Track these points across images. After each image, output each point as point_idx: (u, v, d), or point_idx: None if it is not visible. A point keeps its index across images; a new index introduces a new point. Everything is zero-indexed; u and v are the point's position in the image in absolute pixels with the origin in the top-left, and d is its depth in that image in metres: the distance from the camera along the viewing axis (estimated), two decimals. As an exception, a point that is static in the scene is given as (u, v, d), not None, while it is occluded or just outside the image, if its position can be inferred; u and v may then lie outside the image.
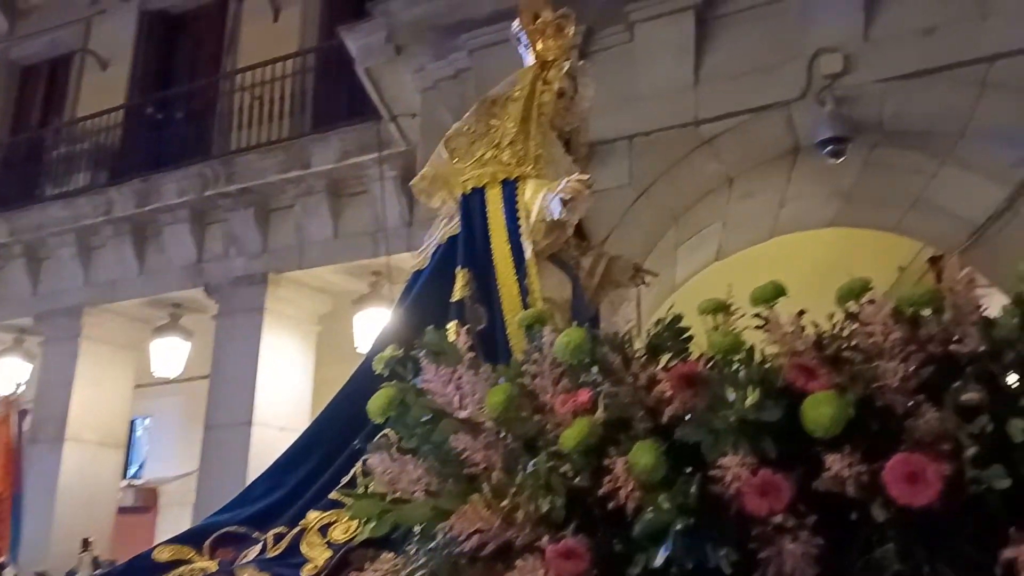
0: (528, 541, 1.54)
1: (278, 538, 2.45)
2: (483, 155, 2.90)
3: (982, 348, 1.46)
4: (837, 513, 1.38)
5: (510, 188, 2.80)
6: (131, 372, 9.67)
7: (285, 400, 8.10)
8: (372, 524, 1.79)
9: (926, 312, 1.53)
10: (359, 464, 2.43)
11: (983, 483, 1.33)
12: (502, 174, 2.83)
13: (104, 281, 9.39)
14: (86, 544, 8.17)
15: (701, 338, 1.68)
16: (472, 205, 2.85)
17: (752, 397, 1.44)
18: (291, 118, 8.78)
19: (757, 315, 1.62)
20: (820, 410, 1.40)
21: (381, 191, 7.79)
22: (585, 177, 2.66)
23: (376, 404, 1.94)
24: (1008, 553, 1.28)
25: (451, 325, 2.49)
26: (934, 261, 6.61)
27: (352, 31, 6.40)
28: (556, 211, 2.62)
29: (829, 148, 4.90)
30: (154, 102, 9.93)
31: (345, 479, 2.50)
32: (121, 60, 10.72)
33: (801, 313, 1.59)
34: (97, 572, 7.36)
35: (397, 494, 1.76)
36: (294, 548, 2.39)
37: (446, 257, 2.85)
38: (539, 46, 3.00)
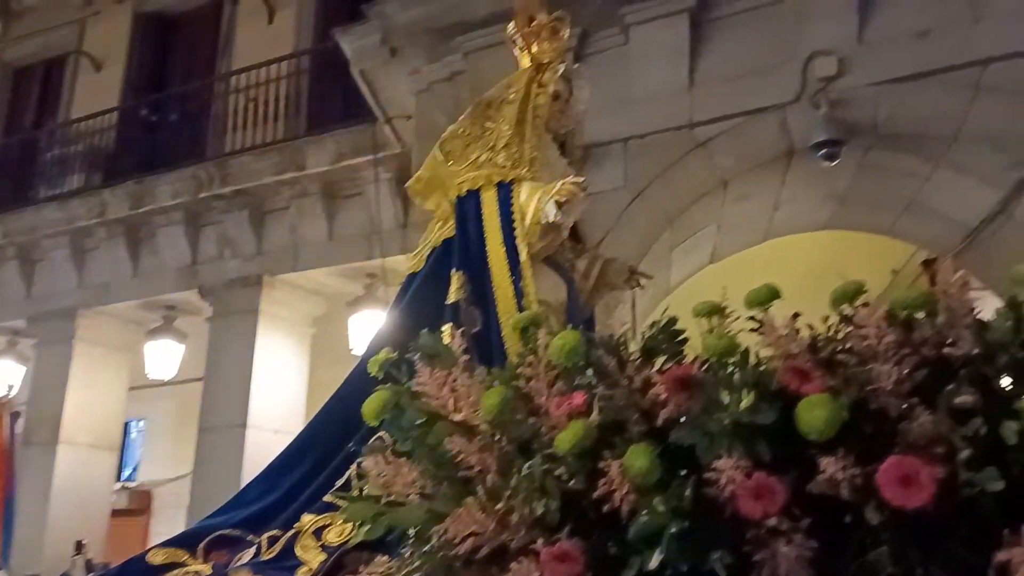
0: (523, 544, 1.54)
1: (272, 541, 2.45)
2: (478, 157, 2.90)
3: (976, 351, 1.47)
4: (831, 516, 1.38)
5: (505, 191, 2.80)
6: (125, 374, 9.65)
7: (279, 402, 8.09)
8: (366, 527, 1.79)
9: (920, 315, 1.54)
10: (354, 467, 2.42)
11: (977, 486, 1.33)
12: (497, 177, 2.83)
13: (98, 283, 9.37)
14: (79, 547, 8.14)
15: (696, 341, 1.68)
16: (467, 207, 2.85)
17: (747, 400, 1.44)
18: (286, 120, 8.77)
19: (752, 318, 1.62)
20: (814, 413, 1.40)
21: (376, 193, 7.78)
22: (580, 180, 2.66)
23: (371, 407, 1.94)
24: (1002, 555, 1.28)
25: (446, 328, 2.48)
26: (928, 264, 6.62)
27: (347, 33, 6.40)
28: (551, 214, 2.62)
29: (823, 151, 4.91)
30: (148, 104, 9.93)
31: (340, 482, 2.49)
32: (115, 62, 10.70)
33: (795, 316, 1.60)
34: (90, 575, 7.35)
35: (392, 497, 1.76)
36: (288, 551, 2.38)
37: (441, 259, 2.85)
38: (534, 49, 3.00)
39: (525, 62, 3.04)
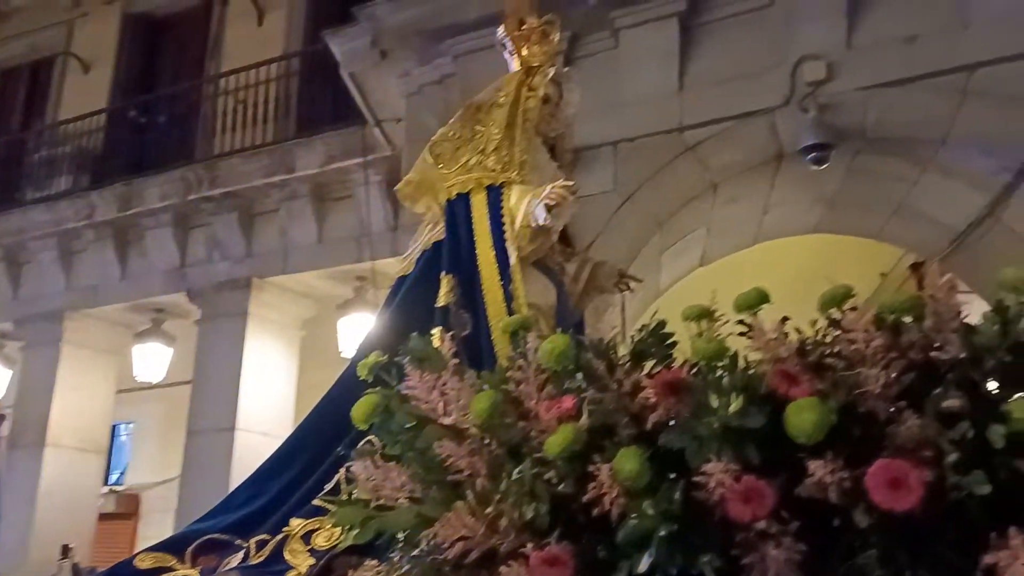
0: (512, 548, 1.54)
1: (261, 545, 2.44)
2: (468, 161, 2.90)
3: (963, 355, 1.47)
4: (820, 519, 1.39)
5: (495, 194, 2.80)
6: (113, 377, 9.59)
7: (268, 405, 8.06)
8: (355, 531, 1.78)
9: (907, 319, 1.54)
10: (343, 470, 2.42)
11: (964, 489, 1.34)
12: (487, 180, 2.84)
13: (86, 286, 9.31)
14: (66, 551, 8.08)
15: (685, 344, 1.68)
16: (457, 211, 2.85)
17: (736, 403, 1.45)
18: (275, 122, 8.75)
19: (741, 321, 1.63)
20: (803, 416, 1.41)
21: (366, 196, 7.77)
22: (570, 183, 2.67)
23: (360, 410, 1.93)
24: (989, 558, 1.29)
25: (436, 331, 2.48)
26: (916, 267, 6.66)
27: (337, 35, 6.39)
28: (541, 217, 2.63)
29: (812, 155, 4.93)
30: (137, 105, 9.86)
31: (328, 486, 2.49)
32: (104, 63, 10.65)
33: (784, 320, 1.60)
34: (77, 579, 7.30)
35: (381, 501, 1.76)
36: (277, 555, 2.38)
37: (431, 262, 2.85)
38: (524, 52, 3.01)
39: (515, 65, 3.04)
